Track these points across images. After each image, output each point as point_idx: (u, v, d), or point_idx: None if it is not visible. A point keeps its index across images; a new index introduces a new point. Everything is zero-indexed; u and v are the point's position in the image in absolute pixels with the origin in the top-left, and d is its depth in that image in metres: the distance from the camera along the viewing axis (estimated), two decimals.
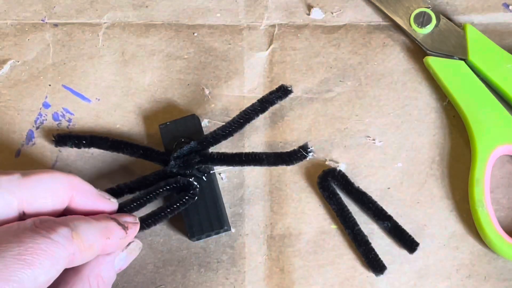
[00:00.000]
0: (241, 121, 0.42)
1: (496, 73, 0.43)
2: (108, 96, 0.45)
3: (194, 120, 0.44)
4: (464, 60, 0.44)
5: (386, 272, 0.42)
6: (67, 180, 0.37)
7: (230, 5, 0.46)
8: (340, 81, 0.45)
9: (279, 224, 0.43)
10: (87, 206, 0.38)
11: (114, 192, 0.42)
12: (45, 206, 0.36)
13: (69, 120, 0.45)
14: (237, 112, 0.42)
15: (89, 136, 0.43)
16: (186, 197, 0.41)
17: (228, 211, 0.43)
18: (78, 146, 0.43)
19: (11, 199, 0.35)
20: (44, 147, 0.45)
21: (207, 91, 0.45)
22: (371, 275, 0.42)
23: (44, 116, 0.45)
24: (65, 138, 0.43)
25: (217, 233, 0.43)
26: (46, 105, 0.45)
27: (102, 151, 0.44)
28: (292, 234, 0.43)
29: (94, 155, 0.44)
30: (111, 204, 0.40)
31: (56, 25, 0.46)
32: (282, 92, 0.42)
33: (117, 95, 0.45)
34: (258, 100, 0.42)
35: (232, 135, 0.42)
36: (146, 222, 0.41)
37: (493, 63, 0.43)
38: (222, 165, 0.43)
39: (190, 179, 0.41)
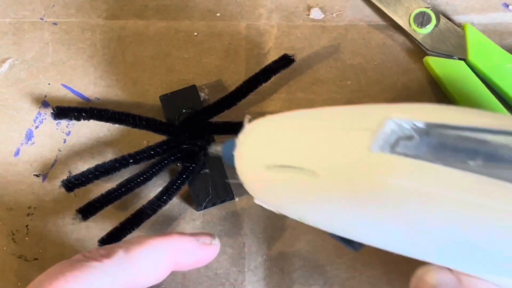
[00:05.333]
0: (244, 90, 0.43)
1: (496, 73, 0.43)
2: (108, 96, 0.45)
3: (194, 91, 0.44)
4: (464, 60, 0.44)
5: (386, 272, 0.42)
6: (169, 248, 0.37)
7: (230, 5, 0.46)
8: (340, 81, 0.45)
9: (279, 224, 0.43)
10: (191, 262, 0.38)
11: (119, 162, 0.42)
12: (148, 280, 0.36)
13: (69, 120, 0.45)
14: (237, 112, 0.42)
15: (89, 108, 0.43)
16: (193, 165, 0.42)
17: (228, 210, 0.43)
18: (78, 118, 0.43)
19: (116, 285, 0.34)
20: (43, 146, 0.45)
21: (207, 91, 0.45)
22: (372, 275, 0.42)
23: (43, 115, 0.45)
24: (65, 110, 0.43)
25: (222, 202, 0.43)
26: (45, 104, 0.45)
27: (102, 152, 0.44)
28: (292, 234, 0.43)
29: (94, 155, 0.44)
30: (214, 247, 0.39)
31: (55, 23, 0.46)
32: (285, 61, 0.43)
33: (117, 95, 0.45)
34: (261, 69, 0.43)
35: (235, 104, 0.43)
36: (161, 199, 0.41)
37: (493, 63, 0.43)
38: (227, 133, 0.43)
39: (195, 148, 0.42)
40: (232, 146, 0.35)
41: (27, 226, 0.44)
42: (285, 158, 0.32)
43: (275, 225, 0.43)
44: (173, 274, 0.43)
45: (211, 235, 0.39)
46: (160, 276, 0.37)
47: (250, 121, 0.35)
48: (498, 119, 0.30)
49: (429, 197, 0.27)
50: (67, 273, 0.33)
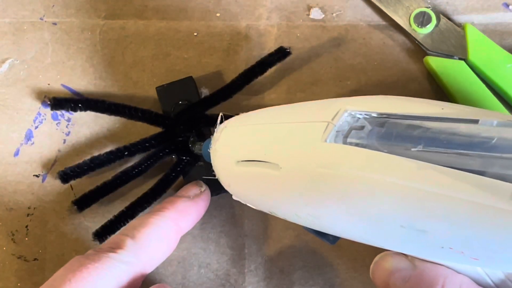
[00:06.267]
0: (240, 82, 0.43)
1: (496, 73, 0.43)
2: (107, 96, 0.45)
3: (190, 83, 0.44)
4: (464, 60, 0.44)
5: None
6: (170, 220, 0.38)
7: (230, 5, 0.46)
8: (340, 81, 0.45)
9: (279, 225, 0.43)
10: (193, 219, 0.40)
11: (114, 155, 0.42)
12: (162, 255, 0.38)
13: (68, 120, 0.45)
14: (233, 105, 0.42)
15: (86, 99, 0.43)
16: (188, 158, 0.42)
17: (228, 211, 0.43)
18: (74, 109, 0.43)
19: (135, 271, 0.36)
20: (43, 146, 0.45)
21: (207, 91, 0.45)
22: None
23: (43, 116, 0.45)
24: (62, 101, 0.43)
25: (216, 194, 0.43)
26: (45, 105, 0.45)
27: (101, 154, 0.44)
28: (292, 234, 0.43)
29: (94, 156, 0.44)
30: (206, 193, 0.41)
31: (55, 23, 0.46)
32: (281, 54, 0.43)
33: (117, 95, 0.45)
34: (257, 62, 0.43)
35: (231, 97, 0.43)
36: (156, 192, 0.42)
37: (493, 63, 0.43)
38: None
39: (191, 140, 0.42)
40: (209, 144, 0.37)
41: (26, 226, 0.44)
42: (251, 153, 0.33)
43: (275, 226, 0.43)
44: (173, 274, 0.43)
45: (197, 184, 0.41)
46: (171, 247, 0.38)
47: (223, 118, 0.37)
48: (440, 107, 0.31)
49: (374, 184, 0.28)
50: (88, 265, 0.34)
